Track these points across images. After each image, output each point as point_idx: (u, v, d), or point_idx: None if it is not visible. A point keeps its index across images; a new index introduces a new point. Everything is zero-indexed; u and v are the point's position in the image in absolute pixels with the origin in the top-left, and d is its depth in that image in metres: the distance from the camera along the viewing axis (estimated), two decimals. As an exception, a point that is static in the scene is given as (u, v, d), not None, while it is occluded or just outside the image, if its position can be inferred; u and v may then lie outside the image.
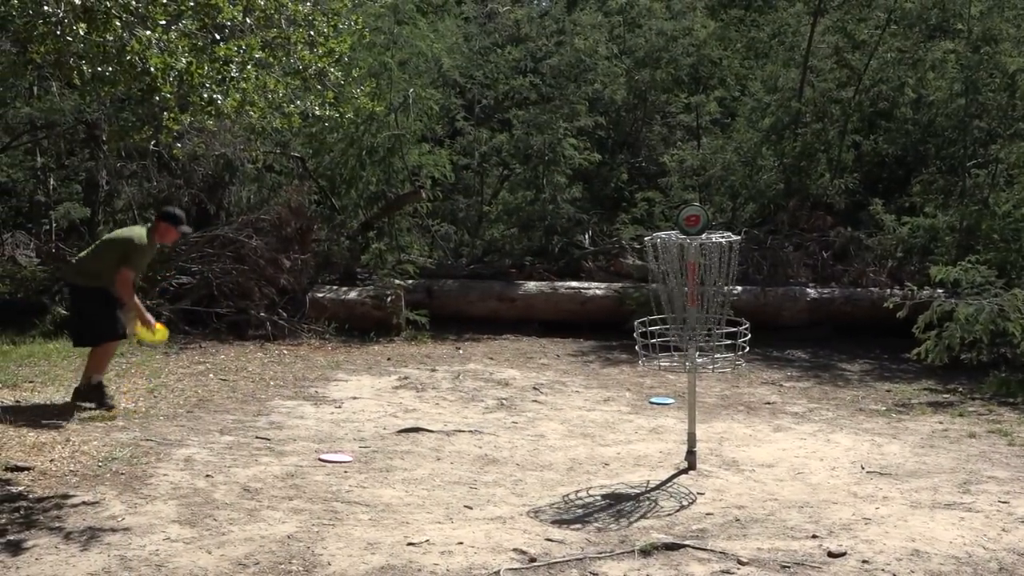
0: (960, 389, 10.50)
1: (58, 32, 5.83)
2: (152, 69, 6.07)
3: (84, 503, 6.26)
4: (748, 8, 18.99)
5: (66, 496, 6.38)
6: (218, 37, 6.57)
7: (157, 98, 6.36)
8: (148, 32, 6.06)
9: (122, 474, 6.89)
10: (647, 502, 6.67)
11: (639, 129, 17.93)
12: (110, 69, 6.11)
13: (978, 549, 5.73)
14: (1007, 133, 14.20)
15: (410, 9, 15.79)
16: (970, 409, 9.60)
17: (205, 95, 6.36)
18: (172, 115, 6.64)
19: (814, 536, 5.93)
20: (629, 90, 17.35)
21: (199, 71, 6.22)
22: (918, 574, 5.35)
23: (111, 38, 5.98)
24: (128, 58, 6.03)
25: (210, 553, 5.49)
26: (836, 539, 5.86)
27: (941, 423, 9.07)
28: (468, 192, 17.21)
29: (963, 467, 7.52)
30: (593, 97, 16.68)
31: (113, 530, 5.80)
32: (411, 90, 14.73)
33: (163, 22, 6.17)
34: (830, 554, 5.61)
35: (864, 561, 5.51)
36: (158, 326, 8.87)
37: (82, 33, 5.82)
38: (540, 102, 16.26)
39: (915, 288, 11.67)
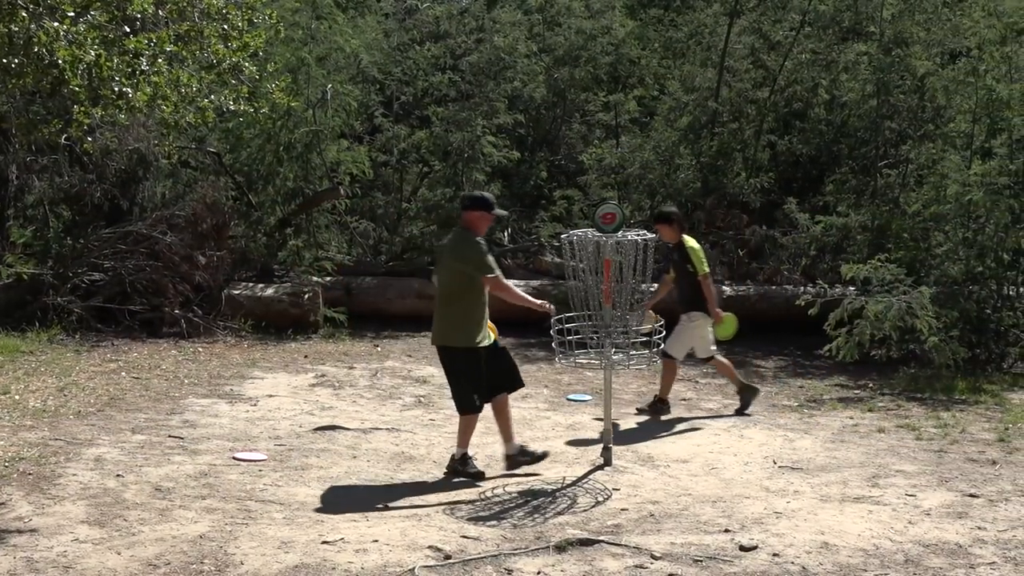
0: (870, 385, 10.71)
1: (-39, 22, 5.70)
2: (60, 62, 5.96)
3: (-11, 504, 6.13)
4: (666, 8, 19.12)
5: (-30, 498, 6.25)
6: (128, 30, 6.46)
7: (66, 91, 6.25)
8: (56, 24, 5.94)
9: (30, 474, 6.75)
10: (563, 498, 6.71)
11: (558, 127, 18.00)
12: (16, 61, 5.99)
13: (885, 541, 5.85)
14: (917, 134, 14.48)
15: (328, 4, 15.65)
16: (880, 404, 9.79)
17: (115, 88, 6.25)
18: (82, 109, 6.53)
19: (726, 530, 6.01)
20: (548, 88, 17.41)
21: (108, 64, 6.12)
22: (827, 566, 5.45)
23: (17, 29, 5.86)
24: (36, 50, 5.92)
25: (119, 554, 5.40)
26: (748, 533, 5.95)
27: (851, 418, 9.24)
28: (387, 189, 17.10)
29: (872, 461, 7.68)
30: (512, 95, 16.69)
31: (20, 531, 5.69)
32: (329, 86, 14.62)
33: (72, 13, 6.05)
34: (742, 548, 5.69)
35: (775, 554, 5.60)
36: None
37: (-14, 24, 5.70)
38: (459, 99, 16.22)
39: (827, 286, 11.89)
